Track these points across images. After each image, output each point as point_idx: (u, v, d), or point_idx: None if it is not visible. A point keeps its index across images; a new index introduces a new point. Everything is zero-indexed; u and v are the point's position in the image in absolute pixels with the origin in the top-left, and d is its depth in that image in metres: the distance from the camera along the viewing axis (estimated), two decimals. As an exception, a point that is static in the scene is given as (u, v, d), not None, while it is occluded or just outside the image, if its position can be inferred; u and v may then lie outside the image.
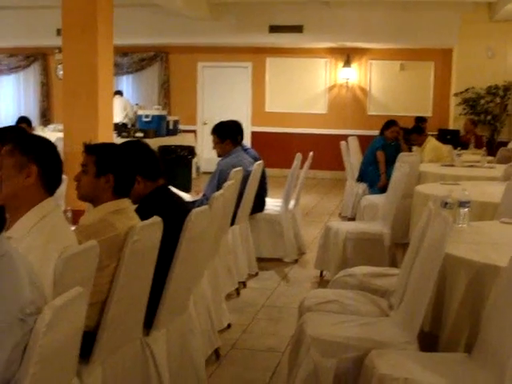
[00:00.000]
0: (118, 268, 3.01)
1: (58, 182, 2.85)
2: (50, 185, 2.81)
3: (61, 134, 9.85)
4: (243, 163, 6.43)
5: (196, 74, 15.49)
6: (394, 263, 6.30)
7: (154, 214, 3.25)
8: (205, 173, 14.33)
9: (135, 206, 3.57)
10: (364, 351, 3.28)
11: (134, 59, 15.63)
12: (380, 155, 9.71)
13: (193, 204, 5.45)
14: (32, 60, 16.25)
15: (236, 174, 5.71)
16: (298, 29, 13.77)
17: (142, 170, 3.71)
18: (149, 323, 3.50)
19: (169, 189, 4.04)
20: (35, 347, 1.84)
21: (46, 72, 16.23)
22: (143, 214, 3.32)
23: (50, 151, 2.84)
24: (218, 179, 6.24)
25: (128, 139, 11.52)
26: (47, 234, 2.65)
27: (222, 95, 15.37)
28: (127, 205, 3.33)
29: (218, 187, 6.11)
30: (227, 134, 6.68)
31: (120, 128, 12.19)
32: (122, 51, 14.46)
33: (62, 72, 15.08)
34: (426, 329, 3.63)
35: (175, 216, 3.58)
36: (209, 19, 13.73)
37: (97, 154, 3.27)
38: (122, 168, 3.29)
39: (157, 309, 3.53)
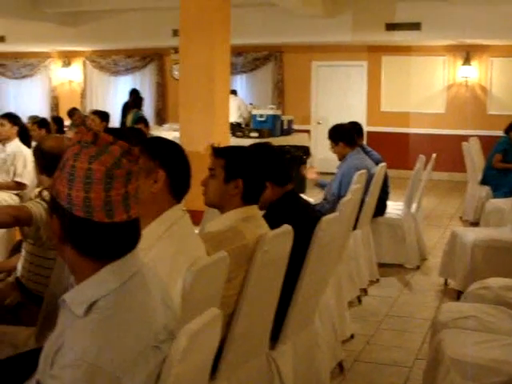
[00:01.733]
0: (247, 279, 2.83)
1: (186, 188, 2.66)
2: (177, 191, 2.62)
3: (176, 134, 9.87)
4: (365, 165, 6.18)
5: (310, 73, 15.27)
6: (526, 273, 5.92)
7: (283, 222, 3.06)
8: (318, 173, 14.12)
9: (262, 213, 3.38)
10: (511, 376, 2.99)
11: (248, 59, 15.56)
12: (496, 157, 9.31)
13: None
14: (148, 61, 16.45)
15: (360, 176, 5.47)
16: (415, 26, 13.30)
17: (271, 174, 3.51)
18: (274, 336, 3.32)
19: (297, 194, 3.84)
20: (169, 376, 1.65)
21: (161, 72, 16.40)
22: (272, 221, 3.13)
23: (178, 155, 2.66)
24: (340, 182, 6.02)
25: (243, 139, 11.48)
26: (176, 244, 2.47)
27: (337, 95, 15.09)
28: (256, 212, 3.13)
29: (340, 190, 5.91)
30: (339, 136, 6.46)
31: (234, 128, 12.13)
32: (236, 51, 14.40)
33: (177, 72, 15.36)
34: None
35: (305, 223, 3.37)
36: (324, 17, 13.46)
37: (226, 157, 3.08)
38: (252, 173, 3.09)
39: (283, 321, 3.35)
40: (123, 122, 11.27)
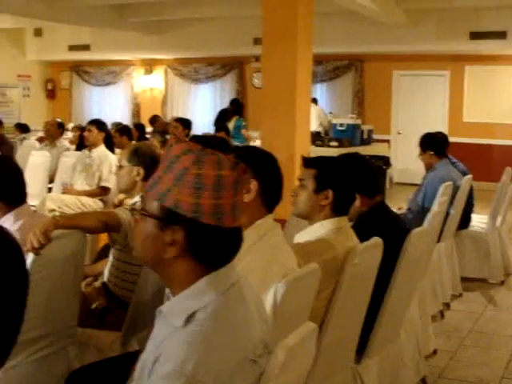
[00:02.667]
0: (336, 292, 2.80)
1: (279, 198, 2.63)
2: (270, 201, 2.59)
3: (256, 142, 9.88)
4: (451, 177, 6.05)
5: (391, 83, 15.07)
6: None
7: (373, 234, 3.02)
8: (398, 183, 13.95)
9: (351, 224, 3.33)
10: None
11: (329, 67, 15.47)
12: None
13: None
14: (228, 69, 16.53)
15: (447, 188, 5.36)
16: (501, 35, 13.02)
17: (361, 185, 3.46)
18: (360, 350, 3.26)
19: (387, 206, 3.78)
20: (266, 392, 1.62)
21: (241, 80, 16.45)
22: (361, 232, 3.08)
23: (272, 165, 2.63)
24: (425, 193, 5.92)
25: (322, 148, 11.43)
26: (268, 254, 2.45)
27: (418, 104, 14.85)
28: (345, 223, 3.08)
29: (424, 201, 5.81)
30: (427, 145, 6.37)
31: (314, 137, 12.08)
32: (316, 59, 14.32)
33: (257, 80, 15.42)
34: None
35: (394, 236, 3.31)
36: (405, 26, 13.30)
37: (317, 167, 3.04)
38: (342, 184, 3.04)
39: (369, 335, 3.29)
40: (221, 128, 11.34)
